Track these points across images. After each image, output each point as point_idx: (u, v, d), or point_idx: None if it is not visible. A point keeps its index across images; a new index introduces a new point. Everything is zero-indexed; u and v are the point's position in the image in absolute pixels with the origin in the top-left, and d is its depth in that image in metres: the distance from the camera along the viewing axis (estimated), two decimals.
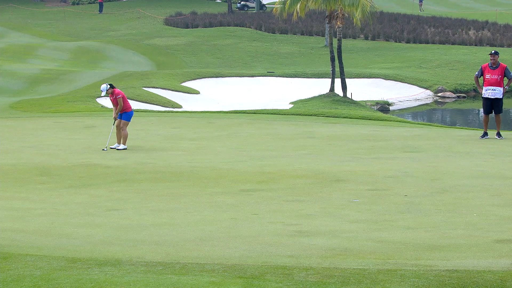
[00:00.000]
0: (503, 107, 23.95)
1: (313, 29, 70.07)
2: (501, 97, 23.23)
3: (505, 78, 23.32)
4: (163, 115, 32.39)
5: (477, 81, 23.74)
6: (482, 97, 23.47)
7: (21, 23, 79.04)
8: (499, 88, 23.13)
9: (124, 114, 22.37)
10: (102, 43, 65.39)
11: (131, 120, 22.61)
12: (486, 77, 23.15)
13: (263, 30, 70.80)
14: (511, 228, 12.10)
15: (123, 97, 22.35)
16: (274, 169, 18.12)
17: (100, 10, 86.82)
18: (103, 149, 22.12)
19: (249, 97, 44.91)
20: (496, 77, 23.02)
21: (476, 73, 23.64)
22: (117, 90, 22.53)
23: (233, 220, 13.02)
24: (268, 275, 9.12)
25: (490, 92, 23.16)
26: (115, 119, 22.41)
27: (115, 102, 22.46)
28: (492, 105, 23.31)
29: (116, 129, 22.42)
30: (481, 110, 25.43)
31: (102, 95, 22.72)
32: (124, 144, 22.15)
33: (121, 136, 22.24)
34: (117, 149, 21.94)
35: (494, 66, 23.10)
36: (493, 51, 23.45)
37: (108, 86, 22.24)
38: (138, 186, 16.57)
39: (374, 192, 15.32)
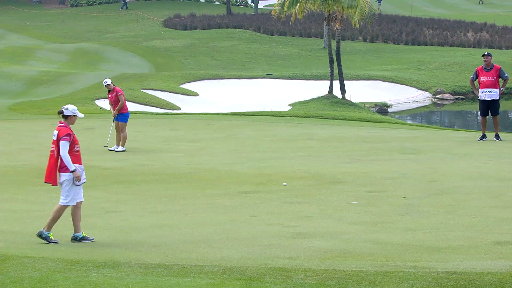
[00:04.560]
0: (501, 109, 23.94)
1: (312, 31, 70.08)
2: (497, 98, 23.23)
3: (500, 79, 23.31)
4: (162, 117, 32.39)
5: (472, 84, 23.75)
6: (479, 100, 23.47)
7: (19, 25, 78.99)
8: (495, 89, 23.12)
9: (120, 115, 22.40)
10: (101, 45, 65.38)
11: (127, 121, 22.62)
12: (481, 80, 23.13)
13: (261, 32, 70.76)
14: (509, 230, 12.11)
15: (123, 95, 22.53)
16: (272, 171, 18.13)
17: (122, 7, 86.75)
18: (105, 146, 22.40)
19: (248, 99, 44.89)
20: (491, 78, 23.01)
21: (471, 76, 23.64)
22: (117, 88, 22.76)
23: (232, 222, 13.02)
24: (266, 277, 9.13)
25: (486, 94, 23.15)
26: (115, 116, 22.46)
27: (113, 100, 22.50)
28: (489, 107, 23.31)
29: (116, 131, 22.45)
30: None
31: (105, 83, 22.59)
32: (123, 146, 22.17)
33: (120, 138, 22.27)
34: (116, 151, 21.96)
35: (488, 68, 23.07)
36: (486, 53, 23.42)
37: (111, 80, 22.61)
38: (137, 187, 16.57)
39: (372, 194, 15.33)
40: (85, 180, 11.60)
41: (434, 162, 19.25)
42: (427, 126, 30.54)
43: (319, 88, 45.14)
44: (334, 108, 37.66)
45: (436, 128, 29.82)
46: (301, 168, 18.57)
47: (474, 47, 64.36)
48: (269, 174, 17.70)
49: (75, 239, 11.53)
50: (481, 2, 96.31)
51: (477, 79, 23.38)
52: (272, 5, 73.71)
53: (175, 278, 9.09)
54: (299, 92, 45.79)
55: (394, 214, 13.53)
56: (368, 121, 30.25)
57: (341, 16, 40.41)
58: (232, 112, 33.73)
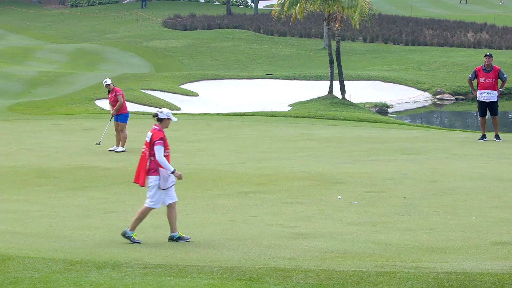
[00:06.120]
0: (500, 109, 23.93)
1: (312, 31, 70.06)
2: (496, 99, 23.24)
3: (499, 80, 23.32)
4: None
5: (470, 83, 23.76)
6: (477, 100, 23.50)
7: (19, 25, 78.97)
8: (494, 91, 23.13)
9: (120, 115, 22.40)
10: (101, 45, 65.38)
11: (127, 121, 22.62)
12: (481, 81, 23.13)
13: (261, 32, 70.72)
14: (509, 230, 12.11)
15: (122, 95, 22.55)
16: (272, 171, 18.12)
17: (142, 5, 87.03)
18: (97, 143, 22.42)
19: (248, 99, 44.88)
20: (490, 80, 23.03)
21: (470, 75, 23.64)
22: (117, 88, 22.79)
23: (232, 222, 13.03)
24: (266, 277, 9.13)
25: (485, 96, 23.17)
26: (113, 116, 22.48)
27: (112, 100, 22.50)
28: (487, 108, 23.33)
29: (116, 132, 22.45)
30: None
31: (105, 83, 22.60)
32: (123, 146, 22.17)
33: (120, 138, 22.28)
34: (116, 151, 21.95)
35: (488, 69, 23.07)
36: (488, 53, 23.44)
37: (111, 80, 22.62)
38: (137, 188, 16.52)
39: (372, 194, 15.32)
40: (174, 182, 11.65)
41: (434, 162, 19.25)
42: (427, 127, 30.54)
43: (319, 88, 45.13)
44: (334, 108, 37.65)
45: (436, 128, 29.82)
46: (301, 168, 18.56)
47: (474, 47, 64.34)
48: (269, 175, 17.69)
49: (171, 239, 11.65)
50: (464, 2, 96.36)
51: (475, 79, 23.39)
52: (272, 6, 73.61)
53: (175, 279, 9.09)
54: (299, 93, 45.79)
55: (394, 215, 13.53)
56: (368, 121, 30.24)
57: (341, 17, 40.39)
58: (232, 113, 33.72)
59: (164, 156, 11.60)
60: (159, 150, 11.52)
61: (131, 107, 29.57)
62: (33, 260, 9.85)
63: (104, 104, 36.70)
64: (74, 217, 13.50)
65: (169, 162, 11.67)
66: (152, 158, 11.57)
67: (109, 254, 10.45)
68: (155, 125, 11.80)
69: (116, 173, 18.40)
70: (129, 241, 11.42)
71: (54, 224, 12.84)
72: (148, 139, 11.65)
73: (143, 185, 11.69)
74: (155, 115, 11.81)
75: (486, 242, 11.25)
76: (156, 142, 11.53)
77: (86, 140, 24.53)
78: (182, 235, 11.66)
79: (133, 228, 11.54)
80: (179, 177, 11.60)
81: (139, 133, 25.97)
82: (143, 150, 11.69)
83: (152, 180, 11.56)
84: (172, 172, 11.54)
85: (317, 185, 16.45)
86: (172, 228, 11.67)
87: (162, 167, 11.53)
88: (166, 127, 11.83)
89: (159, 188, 11.58)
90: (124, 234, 11.49)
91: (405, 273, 9.22)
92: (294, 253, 10.65)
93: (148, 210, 11.64)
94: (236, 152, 21.72)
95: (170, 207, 11.71)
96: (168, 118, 11.80)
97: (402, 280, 8.95)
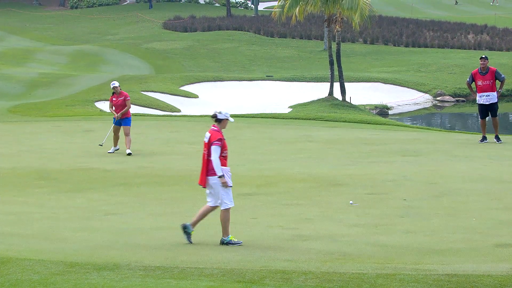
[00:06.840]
0: (501, 111, 23.96)
1: (312, 33, 70.08)
2: (495, 101, 23.28)
3: (497, 81, 23.38)
4: (162, 119, 32.38)
5: (469, 87, 23.81)
6: (477, 103, 23.56)
7: (19, 27, 79.01)
8: (493, 93, 23.20)
9: (125, 119, 22.38)
10: (101, 47, 65.38)
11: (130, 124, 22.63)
12: (478, 84, 23.20)
13: (261, 34, 70.77)
14: (510, 232, 12.10)
15: (129, 100, 22.61)
16: (273, 173, 18.11)
17: (150, 7, 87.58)
18: (100, 145, 22.38)
19: (248, 101, 44.90)
20: (488, 82, 23.09)
21: (468, 79, 23.72)
22: (125, 92, 22.80)
23: (232, 224, 13.00)
24: (267, 279, 9.12)
25: (485, 98, 23.23)
26: (117, 119, 22.40)
27: (119, 103, 22.35)
28: (488, 109, 23.38)
29: (114, 134, 22.40)
30: None
31: (112, 85, 22.55)
32: (128, 148, 22.04)
33: (118, 139, 22.27)
34: (127, 154, 21.82)
35: (484, 72, 23.12)
36: (483, 56, 23.52)
37: (118, 83, 22.59)
38: (137, 190, 16.56)
39: (373, 196, 15.31)
40: (231, 185, 11.63)
41: (435, 164, 19.24)
42: (427, 128, 30.53)
43: (319, 90, 45.15)
44: (335, 110, 37.66)
45: (436, 130, 29.81)
46: (301, 170, 18.55)
47: (474, 49, 64.37)
48: (269, 176, 17.68)
49: (184, 228, 11.60)
50: (456, 3, 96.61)
51: (473, 82, 23.45)
52: (272, 7, 73.61)
53: (175, 281, 9.08)
54: (299, 94, 45.81)
55: (395, 216, 13.52)
56: (368, 123, 30.24)
57: (341, 18, 40.41)
58: (232, 114, 33.57)
59: (222, 156, 11.58)
60: (215, 151, 11.49)
61: (131, 108, 29.54)
62: (32, 262, 9.83)
63: (104, 105, 36.67)
64: (74, 219, 13.48)
65: (226, 163, 11.65)
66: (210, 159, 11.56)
67: (109, 256, 10.43)
68: (213, 125, 11.76)
69: (116, 174, 18.38)
70: (231, 245, 11.39)
71: (54, 226, 12.83)
72: (206, 140, 11.63)
73: (201, 184, 11.66)
74: (214, 116, 11.79)
75: (487, 244, 11.23)
76: (214, 143, 11.51)
77: (86, 141, 24.51)
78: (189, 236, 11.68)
79: (226, 234, 11.52)
80: (224, 184, 11.53)
81: (139, 134, 25.97)
82: (204, 152, 11.67)
83: (215, 180, 11.52)
84: (219, 177, 11.49)
85: (317, 187, 16.43)
86: (194, 223, 11.67)
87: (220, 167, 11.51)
88: (224, 128, 11.81)
89: (228, 186, 11.54)
90: (223, 242, 11.48)
91: (405, 275, 9.21)
92: (294, 255, 10.63)
93: (227, 212, 11.59)
94: (236, 154, 21.68)
95: (211, 208, 11.73)
96: (227, 119, 11.80)
97: (403, 282, 8.93)
